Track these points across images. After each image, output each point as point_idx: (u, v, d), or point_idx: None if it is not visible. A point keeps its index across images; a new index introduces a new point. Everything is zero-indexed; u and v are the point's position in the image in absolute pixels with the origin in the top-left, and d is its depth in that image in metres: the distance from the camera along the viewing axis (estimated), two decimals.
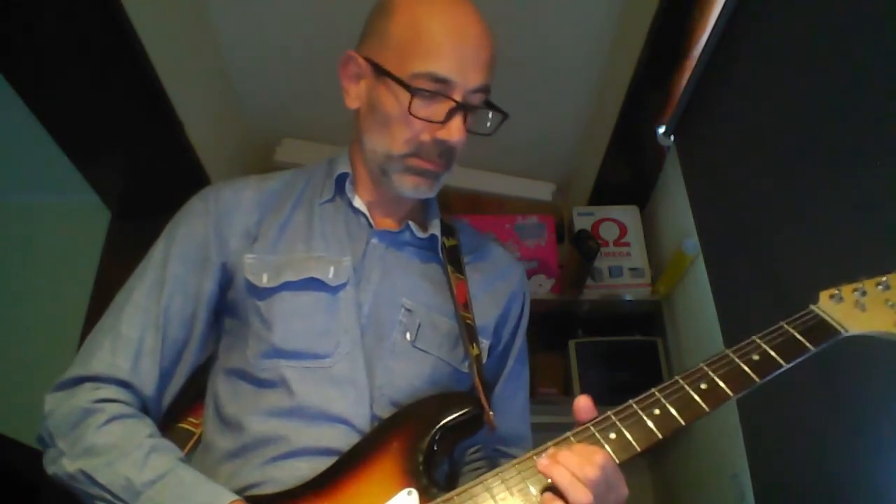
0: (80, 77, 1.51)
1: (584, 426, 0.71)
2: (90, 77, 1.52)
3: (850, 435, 1.03)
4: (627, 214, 2.07)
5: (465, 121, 0.85)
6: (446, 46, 0.83)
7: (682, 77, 1.68)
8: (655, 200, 2.05)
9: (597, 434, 0.69)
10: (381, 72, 0.86)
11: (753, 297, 1.34)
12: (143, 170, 1.85)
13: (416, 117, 0.84)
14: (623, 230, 2.04)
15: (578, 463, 0.66)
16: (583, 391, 1.88)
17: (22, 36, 1.40)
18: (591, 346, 1.98)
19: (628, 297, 1.96)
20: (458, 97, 0.84)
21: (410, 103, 0.83)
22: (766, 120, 1.31)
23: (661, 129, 1.80)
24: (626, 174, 2.06)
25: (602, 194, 2.13)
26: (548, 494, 0.66)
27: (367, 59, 0.88)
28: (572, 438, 0.70)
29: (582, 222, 2.04)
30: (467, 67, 0.84)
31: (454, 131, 0.85)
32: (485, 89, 0.87)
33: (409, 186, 0.89)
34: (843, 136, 1.05)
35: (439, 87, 0.83)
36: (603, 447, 0.68)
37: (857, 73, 1.02)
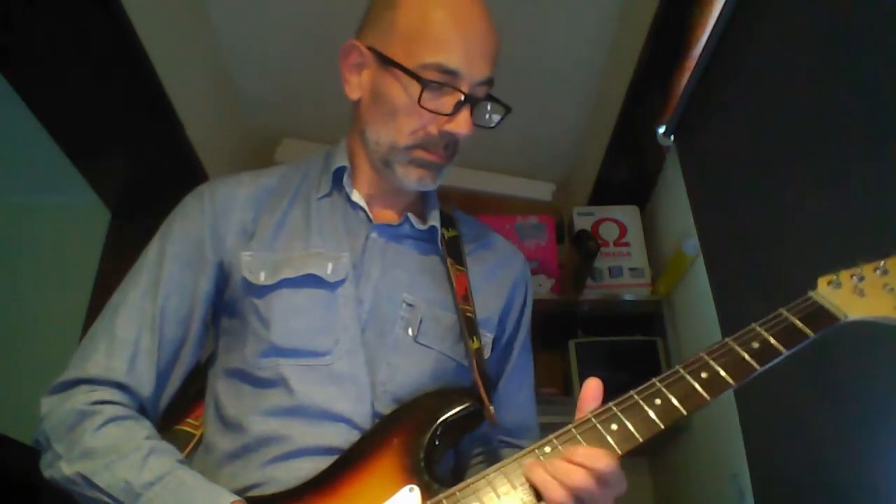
0: (80, 77, 1.51)
1: (585, 418, 0.70)
2: (90, 77, 1.51)
3: (850, 435, 1.03)
4: (627, 214, 2.07)
5: (471, 113, 0.85)
6: (455, 38, 0.83)
7: (682, 77, 1.68)
8: (655, 200, 2.05)
9: (599, 426, 0.69)
10: (387, 62, 0.85)
11: (753, 296, 1.33)
12: (143, 170, 1.85)
13: (426, 109, 0.83)
14: (623, 230, 2.04)
15: (565, 471, 0.66)
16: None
17: (22, 36, 1.40)
18: (591, 346, 1.98)
19: (628, 297, 1.96)
20: (465, 89, 0.84)
21: (421, 95, 0.82)
22: (767, 120, 1.31)
23: (661, 129, 1.80)
24: (626, 174, 2.06)
25: (602, 194, 2.13)
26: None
27: (371, 49, 0.87)
28: (574, 430, 0.70)
29: (582, 222, 2.04)
30: (475, 59, 0.84)
31: (462, 124, 0.84)
32: (489, 82, 0.87)
33: (414, 179, 0.88)
34: (843, 136, 1.05)
35: (447, 79, 0.83)
36: (606, 439, 0.68)
37: (857, 72, 1.02)
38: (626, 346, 1.98)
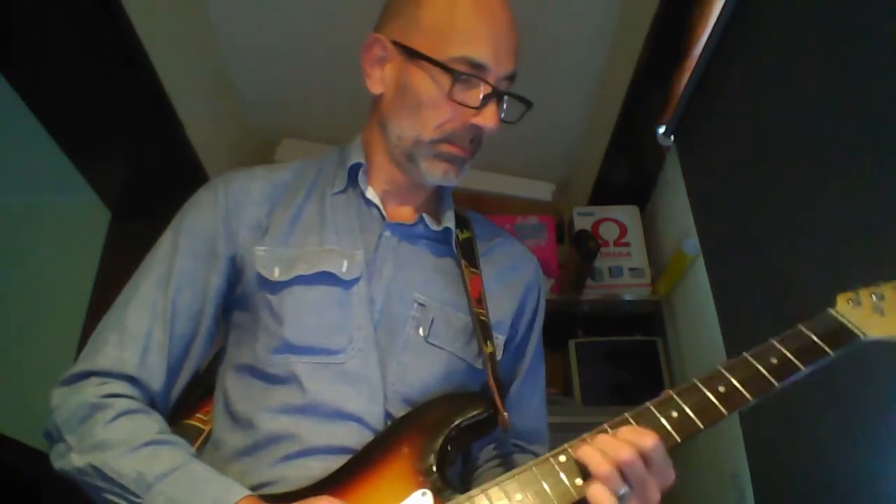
0: (80, 77, 1.51)
1: (601, 429, 0.70)
2: (90, 77, 1.52)
3: (850, 435, 1.03)
4: (627, 214, 2.07)
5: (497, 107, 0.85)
6: (482, 31, 0.83)
7: (682, 77, 1.68)
8: (655, 200, 2.05)
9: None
10: (415, 55, 0.84)
11: (753, 296, 1.34)
12: (143, 170, 1.85)
13: (456, 101, 0.83)
14: (623, 230, 2.05)
15: (614, 446, 0.66)
16: (583, 391, 1.90)
17: (22, 36, 1.40)
18: (591, 346, 1.97)
19: (628, 297, 1.97)
20: (492, 82, 0.84)
21: (451, 87, 0.82)
22: (767, 120, 1.31)
23: (661, 129, 1.81)
24: (626, 174, 2.07)
25: (602, 194, 2.13)
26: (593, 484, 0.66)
27: (396, 43, 0.87)
28: (589, 440, 0.69)
29: (582, 222, 2.04)
30: (501, 53, 0.84)
31: (489, 117, 0.84)
32: (512, 77, 0.87)
33: (439, 173, 0.88)
34: (844, 136, 1.05)
35: (475, 72, 0.83)
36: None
37: (857, 72, 1.02)
38: (626, 346, 1.98)
